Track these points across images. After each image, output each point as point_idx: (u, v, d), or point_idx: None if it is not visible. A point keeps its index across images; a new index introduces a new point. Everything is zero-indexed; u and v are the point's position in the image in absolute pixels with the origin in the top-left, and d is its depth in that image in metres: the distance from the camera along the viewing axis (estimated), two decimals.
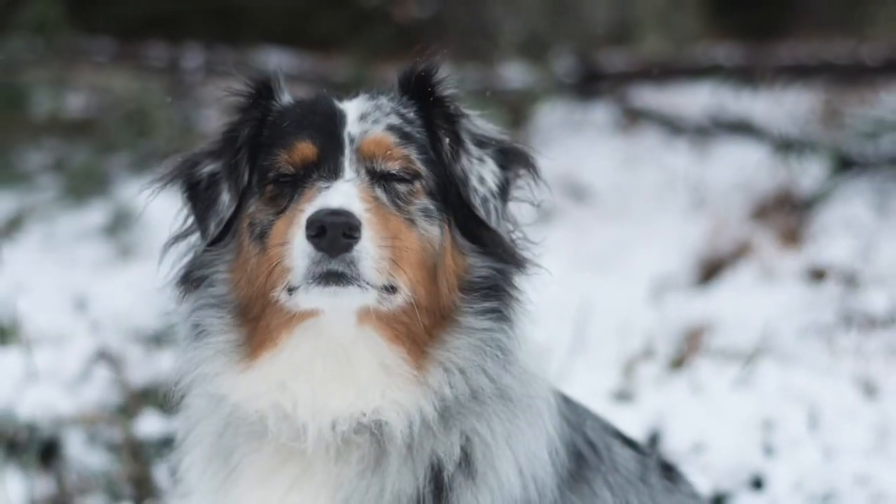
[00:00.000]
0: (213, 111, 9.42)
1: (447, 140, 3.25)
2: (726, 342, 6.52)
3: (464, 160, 3.23)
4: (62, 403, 5.73)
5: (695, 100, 10.38)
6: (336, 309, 3.03)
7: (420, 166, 3.18)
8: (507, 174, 3.28)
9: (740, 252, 7.83)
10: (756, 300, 7.04)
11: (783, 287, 7.28)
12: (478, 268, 3.18)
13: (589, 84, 10.83)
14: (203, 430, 3.31)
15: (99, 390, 5.94)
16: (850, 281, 7.19)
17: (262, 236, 3.13)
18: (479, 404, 3.15)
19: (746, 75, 10.26)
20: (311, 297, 2.99)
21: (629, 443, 3.62)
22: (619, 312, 6.75)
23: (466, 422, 3.15)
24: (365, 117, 3.20)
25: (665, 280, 7.60)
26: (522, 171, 3.32)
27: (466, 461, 3.13)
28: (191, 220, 3.34)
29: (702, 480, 4.96)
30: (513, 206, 3.32)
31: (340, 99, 3.30)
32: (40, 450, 5.54)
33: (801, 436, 5.45)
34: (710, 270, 7.75)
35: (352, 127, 3.18)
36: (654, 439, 5.46)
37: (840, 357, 6.23)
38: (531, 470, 3.17)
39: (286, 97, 3.36)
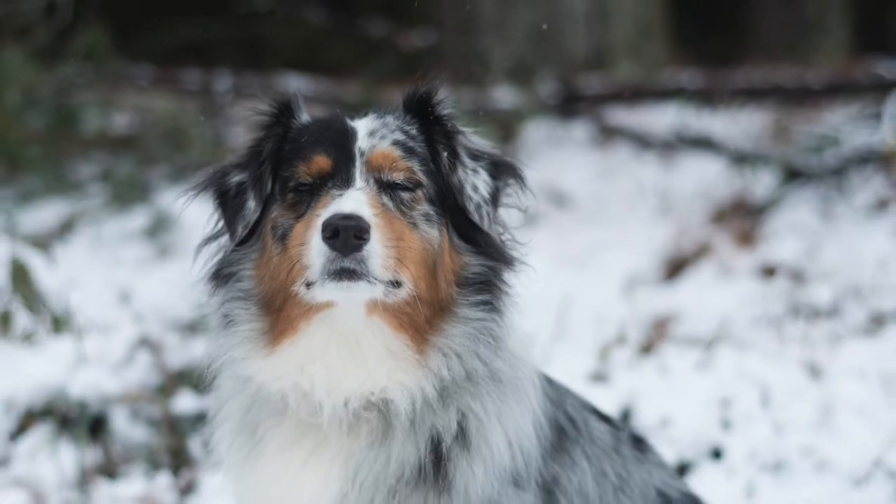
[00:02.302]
0: (241, 128, 9.40)
1: (445, 154, 3.24)
2: (689, 331, 6.51)
3: (460, 171, 3.23)
4: (109, 384, 5.72)
5: (662, 119, 10.35)
6: (348, 301, 3.03)
7: (421, 177, 3.17)
8: (498, 183, 3.28)
9: (701, 252, 7.82)
10: (715, 294, 7.03)
11: (739, 282, 7.27)
12: (472, 265, 3.17)
13: (569, 105, 10.80)
14: (232, 407, 3.30)
15: (141, 372, 5.93)
16: (797, 277, 7.18)
17: (283, 238, 3.12)
18: (473, 385, 3.15)
19: (707, 97, 10.24)
20: (327, 291, 2.99)
21: (604, 418, 3.61)
22: (595, 305, 6.75)
23: (462, 400, 3.14)
24: (373, 134, 3.20)
25: (635, 276, 7.60)
26: (511, 181, 3.31)
27: (462, 434, 3.13)
28: (221, 223, 3.33)
29: (668, 451, 4.97)
30: (503, 212, 3.31)
31: (352, 118, 3.29)
32: (89, 424, 5.53)
33: (755, 412, 5.45)
34: (675, 268, 7.73)
35: (362, 142, 3.17)
36: (625, 415, 5.46)
37: (788, 344, 6.23)
38: (519, 442, 3.16)
39: (304, 116, 3.35)
